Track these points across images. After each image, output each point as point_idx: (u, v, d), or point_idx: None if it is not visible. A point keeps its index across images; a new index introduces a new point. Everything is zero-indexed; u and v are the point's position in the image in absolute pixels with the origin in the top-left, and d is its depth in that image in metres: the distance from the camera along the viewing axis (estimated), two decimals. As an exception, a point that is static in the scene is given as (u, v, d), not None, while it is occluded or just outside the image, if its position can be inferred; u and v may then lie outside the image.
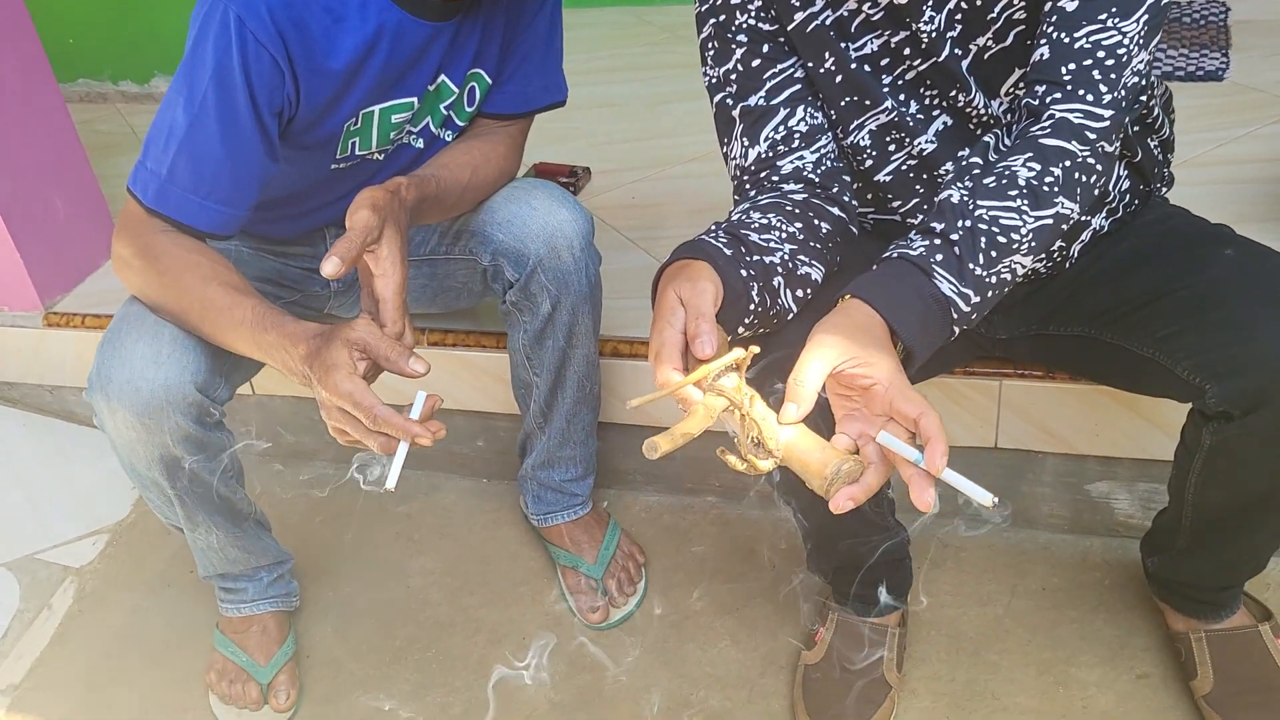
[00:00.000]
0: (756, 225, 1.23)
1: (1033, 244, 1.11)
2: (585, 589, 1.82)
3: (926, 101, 1.32)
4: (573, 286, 1.57)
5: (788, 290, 1.22)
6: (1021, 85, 1.28)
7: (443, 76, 1.50)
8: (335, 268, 1.19)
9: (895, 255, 1.11)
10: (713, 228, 1.22)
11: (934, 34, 1.25)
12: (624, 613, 1.81)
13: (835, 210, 1.31)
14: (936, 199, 1.15)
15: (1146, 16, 1.14)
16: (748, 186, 1.35)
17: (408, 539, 2.03)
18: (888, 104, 1.31)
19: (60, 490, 2.19)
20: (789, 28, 1.30)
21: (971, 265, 1.09)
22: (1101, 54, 1.13)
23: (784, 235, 1.23)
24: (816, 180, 1.31)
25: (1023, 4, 1.22)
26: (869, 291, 1.07)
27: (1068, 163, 1.13)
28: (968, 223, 1.10)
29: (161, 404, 1.39)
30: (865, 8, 1.27)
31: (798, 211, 1.27)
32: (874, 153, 1.35)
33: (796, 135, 1.32)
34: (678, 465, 1.98)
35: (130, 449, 1.46)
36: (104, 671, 1.85)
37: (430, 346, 1.94)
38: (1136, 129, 1.38)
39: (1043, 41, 1.16)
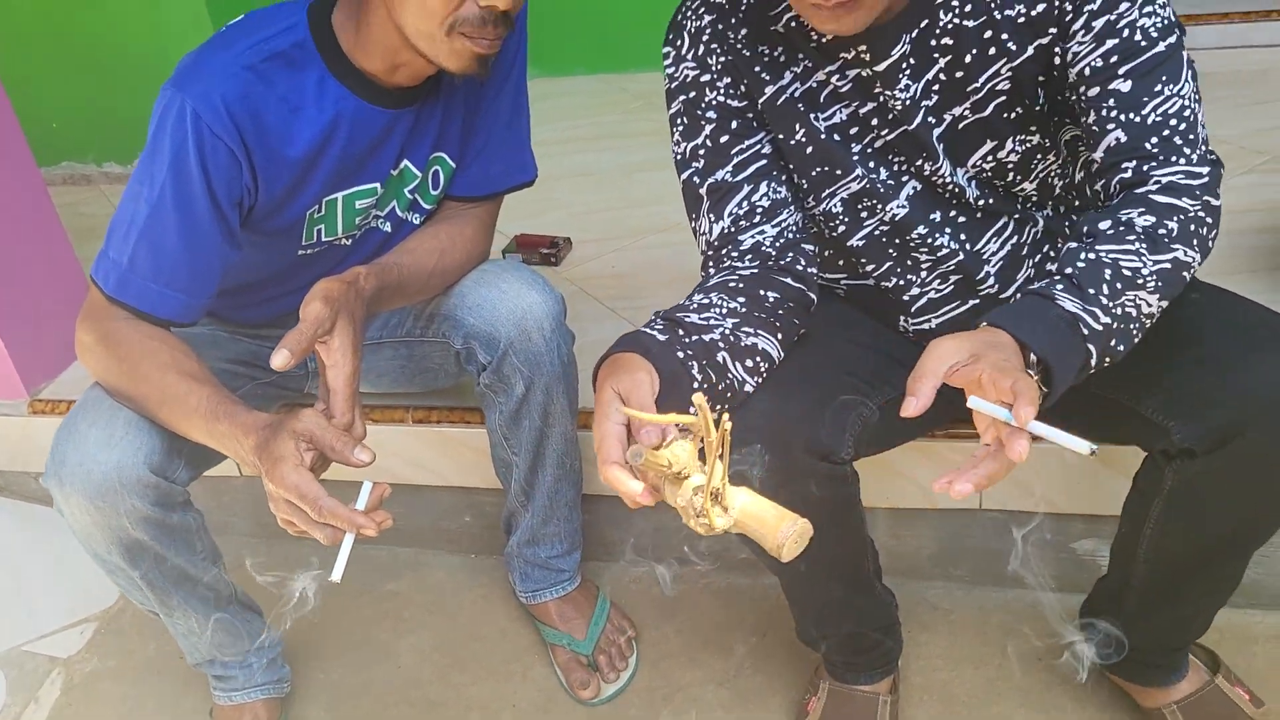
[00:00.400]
0: (695, 306, 1.26)
1: (1158, 284, 1.14)
2: (576, 665, 1.81)
3: (895, 168, 1.34)
4: (545, 367, 1.58)
5: (735, 363, 1.24)
6: (988, 159, 1.31)
7: (405, 161, 1.52)
8: (284, 360, 1.21)
9: (1019, 295, 1.15)
10: (653, 317, 1.25)
11: (907, 102, 1.27)
12: (616, 687, 1.80)
13: (787, 279, 1.32)
14: (1059, 250, 1.18)
15: (1190, 74, 1.18)
16: (709, 264, 1.37)
17: (397, 617, 2.02)
18: (858, 172, 1.33)
19: (47, 578, 2.17)
20: (760, 101, 1.33)
21: (1093, 291, 1.11)
22: (1174, 121, 1.18)
23: (724, 311, 1.26)
24: (773, 254, 1.33)
25: (1009, 74, 1.25)
26: (996, 318, 1.11)
27: (1180, 217, 1.16)
28: (1091, 255, 1.14)
29: (114, 486, 1.39)
30: (833, 80, 1.30)
31: (742, 286, 1.29)
32: (846, 219, 1.38)
33: (758, 210, 1.34)
34: (664, 536, 1.98)
35: (87, 533, 1.46)
36: (93, 765, 1.83)
37: (414, 424, 1.94)
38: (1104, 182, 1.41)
39: (1110, 126, 1.19)
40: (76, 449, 1.40)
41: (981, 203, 1.34)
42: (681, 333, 1.21)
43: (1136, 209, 1.16)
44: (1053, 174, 1.34)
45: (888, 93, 1.28)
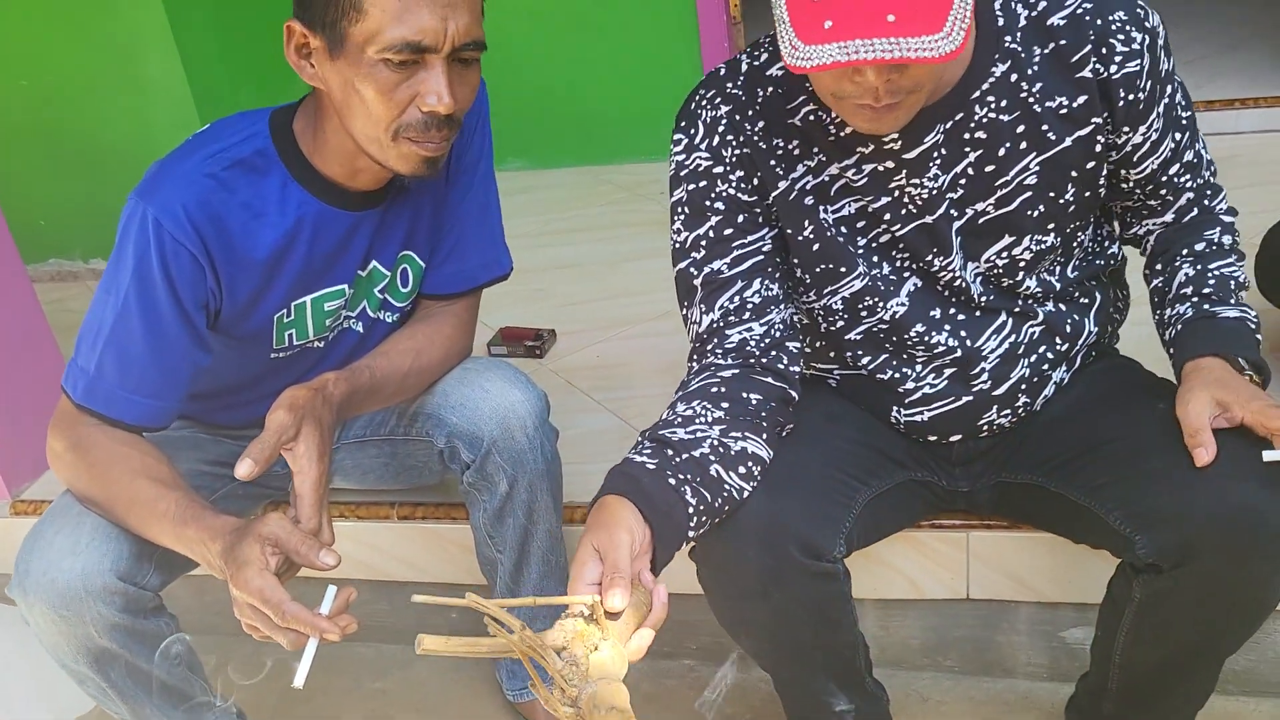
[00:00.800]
0: (679, 420, 1.27)
1: (1248, 283, 1.37)
2: (564, 765, 1.77)
3: (898, 264, 1.35)
4: (528, 465, 1.58)
5: (729, 473, 1.24)
6: (1002, 255, 1.33)
7: (373, 262, 1.53)
8: (248, 469, 1.23)
9: (1175, 334, 1.34)
10: (640, 438, 1.25)
11: (934, 192, 1.28)
12: (605, 787, 1.76)
13: (768, 379, 1.33)
14: (1173, 282, 1.37)
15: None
16: (694, 357, 1.38)
17: (384, 716, 1.99)
18: (861, 268, 1.34)
19: (24, 683, 2.13)
20: (772, 195, 1.33)
21: (1232, 300, 1.32)
22: (1213, 165, 1.41)
23: (709, 420, 1.26)
24: (757, 353, 1.33)
25: (1038, 168, 1.27)
26: (1192, 348, 1.29)
27: (1235, 231, 1.39)
28: (1214, 271, 1.34)
29: (79, 594, 1.37)
30: (848, 174, 1.30)
31: (724, 390, 1.30)
32: (845, 316, 1.38)
33: (748, 307, 1.34)
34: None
35: (54, 643, 1.43)
36: None
37: (400, 520, 1.93)
38: (1093, 282, 1.43)
39: (1182, 190, 1.37)
40: (42, 557, 1.39)
41: (983, 299, 1.35)
42: (671, 453, 1.22)
43: (1214, 229, 1.38)
44: (1054, 274, 1.37)
45: (913, 182, 1.28)
